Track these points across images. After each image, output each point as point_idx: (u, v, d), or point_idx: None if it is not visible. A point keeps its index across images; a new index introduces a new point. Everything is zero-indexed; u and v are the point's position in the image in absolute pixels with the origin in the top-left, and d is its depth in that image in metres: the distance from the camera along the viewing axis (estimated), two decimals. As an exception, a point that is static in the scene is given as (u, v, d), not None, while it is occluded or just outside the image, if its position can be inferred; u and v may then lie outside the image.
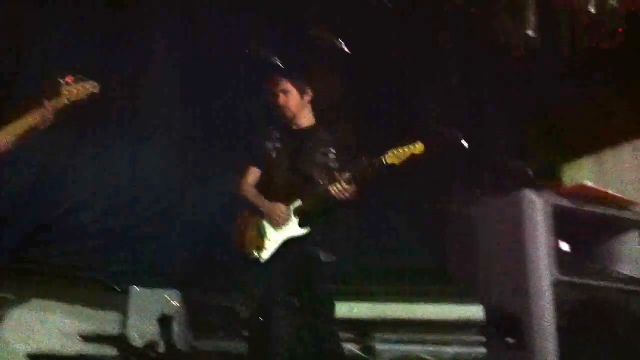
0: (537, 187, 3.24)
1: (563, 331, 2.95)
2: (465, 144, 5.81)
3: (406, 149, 3.76)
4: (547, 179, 5.12)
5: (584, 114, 5.85)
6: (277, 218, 3.92)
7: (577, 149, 5.97)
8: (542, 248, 3.03)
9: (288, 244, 3.90)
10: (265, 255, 3.93)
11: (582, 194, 3.17)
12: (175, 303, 5.29)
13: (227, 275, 5.51)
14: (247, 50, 5.76)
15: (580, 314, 3.01)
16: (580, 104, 5.83)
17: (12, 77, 5.19)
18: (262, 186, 4.05)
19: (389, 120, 5.78)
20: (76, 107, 3.76)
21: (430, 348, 5.43)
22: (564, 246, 3.06)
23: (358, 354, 4.67)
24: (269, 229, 3.98)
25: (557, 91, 5.84)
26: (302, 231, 3.89)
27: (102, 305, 5.47)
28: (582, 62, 5.78)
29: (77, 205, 5.49)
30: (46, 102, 3.65)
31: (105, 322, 5.43)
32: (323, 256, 3.93)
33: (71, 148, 5.47)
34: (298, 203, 3.93)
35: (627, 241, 3.22)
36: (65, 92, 3.66)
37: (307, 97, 4.12)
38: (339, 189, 3.74)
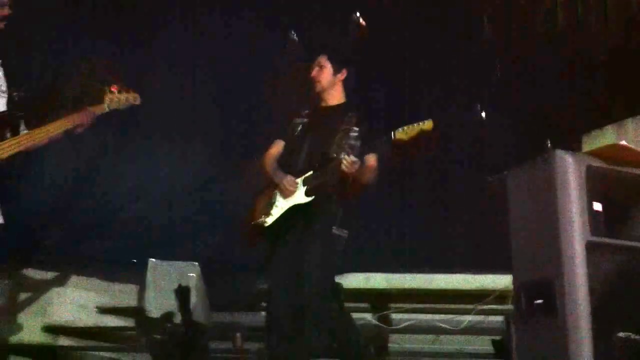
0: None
1: (596, 295, 2.88)
2: (483, 115, 5.79)
3: (415, 126, 3.87)
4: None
5: (603, 84, 5.81)
6: (284, 188, 4.04)
7: (597, 118, 5.93)
8: (575, 209, 2.94)
9: (292, 214, 4.04)
10: (269, 220, 4.10)
11: (616, 154, 3.10)
12: (193, 275, 5.29)
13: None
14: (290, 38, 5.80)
15: (614, 276, 2.93)
16: (599, 73, 5.80)
17: (55, 79, 5.28)
18: (285, 159, 4.23)
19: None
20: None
21: (446, 317, 5.46)
22: (598, 207, 2.97)
23: (374, 323, 4.66)
24: (278, 198, 4.10)
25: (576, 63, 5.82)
26: (306, 199, 4.01)
27: (120, 278, 5.47)
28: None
29: (116, 204, 5.54)
30: (88, 108, 3.78)
31: (122, 294, 5.46)
32: (336, 230, 3.96)
33: (109, 149, 5.57)
34: (309, 173, 4.05)
35: (663, 202, 3.14)
36: (107, 99, 3.78)
37: (341, 76, 4.28)
38: (349, 161, 3.84)
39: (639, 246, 3.05)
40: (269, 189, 4.21)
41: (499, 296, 5.06)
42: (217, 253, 5.52)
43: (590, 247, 2.92)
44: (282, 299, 4.05)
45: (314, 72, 4.22)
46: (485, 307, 5.34)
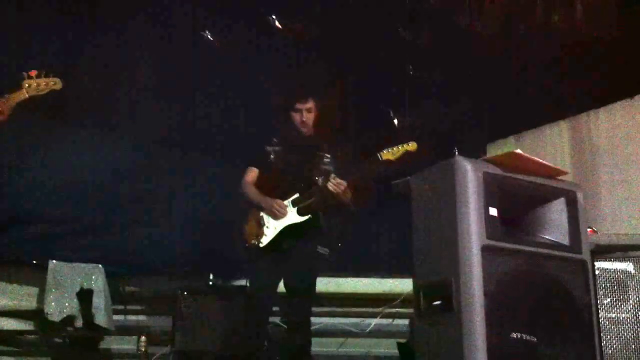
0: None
1: (491, 295, 2.98)
2: (396, 122, 5.92)
3: (401, 148, 4.27)
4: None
5: (507, 96, 6.05)
6: (276, 212, 4.33)
7: (501, 129, 6.18)
8: (473, 213, 3.04)
9: (289, 233, 4.35)
10: (265, 240, 4.36)
11: (512, 162, 3.22)
12: (96, 277, 5.17)
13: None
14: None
15: (507, 278, 3.05)
16: (505, 85, 6.03)
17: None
18: (262, 184, 4.50)
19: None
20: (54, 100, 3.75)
21: (353, 320, 5.55)
22: (493, 212, 3.08)
23: (281, 327, 4.69)
24: (268, 220, 4.37)
25: (485, 73, 6.03)
26: (301, 218, 4.34)
27: (20, 280, 5.28)
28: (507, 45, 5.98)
29: (19, 199, 5.33)
30: (6, 96, 3.62)
31: (23, 296, 5.25)
32: (320, 249, 4.24)
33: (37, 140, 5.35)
34: (296, 196, 4.36)
35: (554, 209, 3.28)
36: (26, 85, 3.63)
37: (317, 113, 4.56)
38: (335, 183, 4.24)
39: (532, 250, 3.17)
40: (254, 213, 4.46)
41: (405, 299, 5.18)
42: (124, 253, 5.40)
43: (486, 250, 3.02)
44: (266, 302, 4.41)
45: (305, 117, 4.49)
46: (391, 310, 5.45)
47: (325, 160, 4.48)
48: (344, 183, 4.26)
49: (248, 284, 4.64)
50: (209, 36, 5.86)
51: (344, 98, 5.90)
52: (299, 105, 4.50)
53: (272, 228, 4.36)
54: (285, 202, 4.37)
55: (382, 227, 6.11)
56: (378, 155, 4.27)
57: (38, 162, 5.26)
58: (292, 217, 4.36)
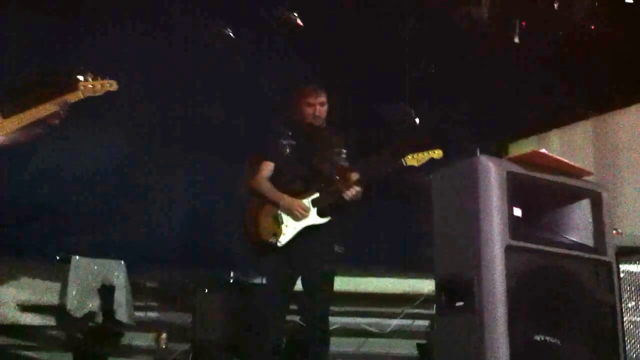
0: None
1: (513, 295, 2.96)
2: (417, 120, 5.90)
3: (426, 154, 4.24)
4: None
5: (529, 96, 6.00)
6: (298, 213, 4.24)
7: (522, 129, 6.13)
8: (496, 214, 3.02)
9: (308, 234, 4.26)
10: (284, 240, 4.26)
11: (536, 161, 3.19)
12: (117, 273, 5.19)
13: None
14: None
15: (530, 279, 3.02)
16: (526, 85, 5.99)
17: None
18: (277, 179, 4.38)
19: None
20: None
21: (373, 320, 5.52)
22: (517, 212, 3.06)
23: (300, 325, 4.68)
24: (287, 219, 4.28)
25: (510, 72, 5.99)
26: (322, 220, 4.26)
27: (42, 275, 5.32)
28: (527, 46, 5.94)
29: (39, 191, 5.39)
30: (61, 96, 3.64)
31: (45, 291, 5.29)
32: (337, 248, 4.20)
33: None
34: (315, 195, 4.27)
35: (579, 209, 3.24)
36: (81, 86, 3.66)
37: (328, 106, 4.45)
38: (353, 193, 4.19)
39: (556, 251, 3.14)
40: (268, 207, 4.33)
41: (426, 300, 5.14)
42: (143, 246, 5.45)
43: (509, 251, 3.00)
44: (282, 300, 4.32)
45: (318, 111, 4.39)
46: (412, 311, 5.42)
47: (343, 156, 4.40)
48: (360, 191, 4.22)
49: (264, 281, 4.57)
50: (230, 33, 5.86)
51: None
52: (311, 100, 4.41)
53: (291, 227, 4.26)
54: (306, 202, 4.28)
55: (401, 224, 6.08)
56: (402, 160, 4.23)
57: (50, 154, 5.30)
58: (313, 218, 4.28)
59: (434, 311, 4.72)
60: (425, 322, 5.42)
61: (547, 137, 6.02)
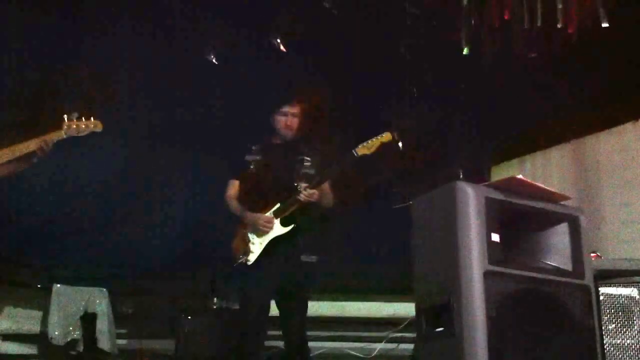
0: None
1: (492, 320, 2.97)
2: (400, 144, 5.91)
3: (376, 140, 4.17)
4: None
5: (513, 119, 6.04)
6: (263, 225, 4.21)
7: (505, 152, 6.17)
8: (474, 239, 3.04)
9: (274, 247, 4.21)
10: (252, 257, 4.22)
11: (514, 186, 3.21)
12: (100, 301, 5.16)
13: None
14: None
15: (509, 304, 3.03)
16: (511, 107, 6.03)
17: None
18: (244, 196, 4.38)
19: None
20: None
21: (358, 344, 5.50)
22: (495, 238, 3.07)
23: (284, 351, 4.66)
24: (252, 236, 4.25)
25: (491, 94, 6.04)
26: (284, 230, 4.21)
27: (23, 302, 5.28)
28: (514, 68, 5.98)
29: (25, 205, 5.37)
30: (45, 137, 3.67)
31: (26, 319, 5.25)
32: (303, 257, 4.11)
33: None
34: (277, 206, 4.24)
35: (557, 234, 3.26)
36: (65, 126, 3.70)
37: (302, 118, 4.44)
38: (306, 194, 4.14)
39: (534, 276, 3.16)
40: (240, 227, 4.34)
41: (411, 323, 5.13)
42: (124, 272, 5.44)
43: (488, 276, 3.01)
44: (260, 320, 4.20)
45: (289, 122, 4.37)
46: (396, 335, 5.40)
47: (306, 164, 4.34)
48: (315, 192, 4.16)
49: (239, 305, 4.52)
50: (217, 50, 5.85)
51: (330, 101, 5.75)
52: (285, 109, 4.39)
53: (257, 244, 4.22)
54: (269, 214, 4.23)
55: (385, 247, 6.07)
56: (353, 151, 4.17)
57: (32, 179, 5.28)
58: (277, 229, 4.21)
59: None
60: (410, 346, 5.40)
61: (528, 160, 6.06)
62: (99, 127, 3.86)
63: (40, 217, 5.48)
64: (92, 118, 3.85)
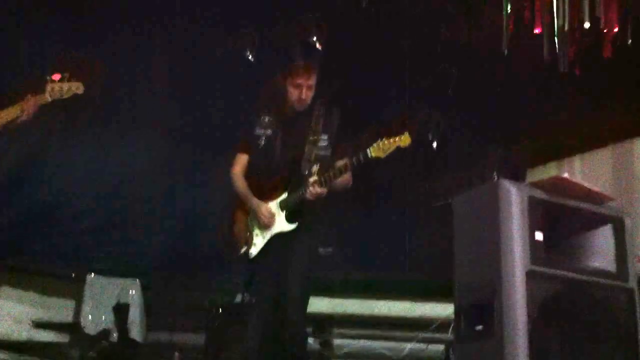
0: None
1: (534, 321, 2.92)
2: (435, 144, 5.88)
3: (392, 141, 3.69)
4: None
5: (550, 122, 5.98)
6: (263, 218, 3.83)
7: (542, 155, 6.10)
8: (517, 238, 2.99)
9: (277, 243, 3.83)
10: (254, 251, 3.88)
11: (558, 186, 3.16)
12: (132, 292, 5.19)
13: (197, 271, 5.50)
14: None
15: (551, 305, 2.98)
16: (548, 111, 5.97)
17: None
18: (250, 175, 3.99)
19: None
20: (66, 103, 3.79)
21: (388, 344, 5.47)
22: (539, 236, 3.03)
23: (315, 348, 4.64)
24: (254, 225, 3.91)
25: (526, 97, 5.98)
26: (289, 227, 3.82)
27: (57, 292, 5.33)
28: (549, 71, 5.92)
29: (58, 199, 5.43)
30: (29, 97, 3.66)
31: (59, 309, 5.30)
32: (322, 251, 3.87)
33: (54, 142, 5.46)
34: (283, 196, 3.86)
35: (601, 235, 3.21)
36: (49, 89, 3.67)
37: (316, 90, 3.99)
38: (314, 192, 3.74)
39: (577, 277, 3.10)
40: (241, 211, 3.99)
41: (441, 325, 5.10)
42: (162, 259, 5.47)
43: (530, 276, 2.96)
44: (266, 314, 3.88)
45: (304, 95, 3.90)
46: (426, 335, 5.37)
47: (321, 144, 3.87)
48: (324, 191, 3.73)
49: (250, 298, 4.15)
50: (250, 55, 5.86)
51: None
52: (300, 80, 3.89)
53: (260, 237, 3.86)
54: (273, 205, 3.84)
55: (417, 248, 6.03)
56: (367, 151, 3.68)
57: (65, 169, 5.35)
58: (281, 224, 3.82)
59: (449, 335, 4.73)
60: (440, 347, 5.37)
61: (566, 163, 5.99)
62: (80, 89, 3.78)
63: (76, 211, 5.54)
64: (73, 80, 3.75)
